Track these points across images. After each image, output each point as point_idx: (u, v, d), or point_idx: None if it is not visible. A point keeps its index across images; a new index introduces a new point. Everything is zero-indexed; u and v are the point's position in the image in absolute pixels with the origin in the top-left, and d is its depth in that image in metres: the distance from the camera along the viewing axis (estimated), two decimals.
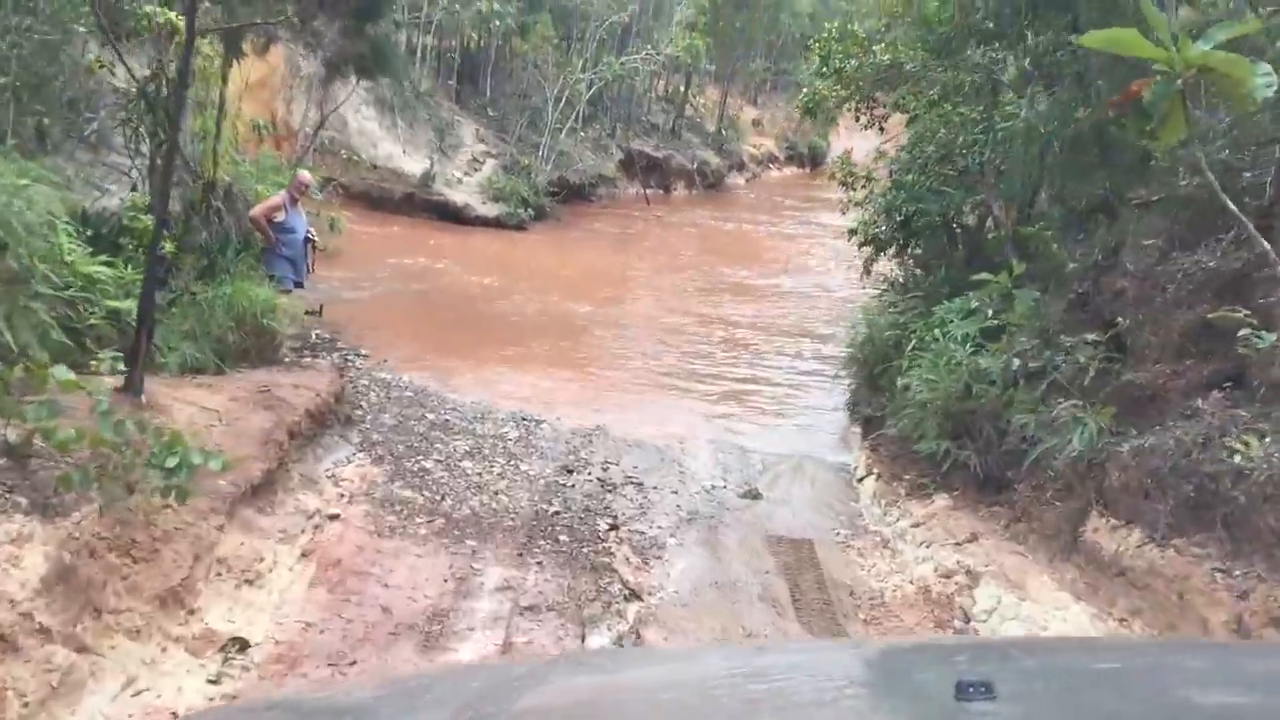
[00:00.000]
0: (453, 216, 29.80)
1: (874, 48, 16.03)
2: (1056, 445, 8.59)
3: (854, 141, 61.61)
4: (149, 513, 6.21)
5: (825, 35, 16.29)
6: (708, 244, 30.97)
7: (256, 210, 14.01)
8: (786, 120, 55.20)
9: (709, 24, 37.44)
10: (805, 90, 17.26)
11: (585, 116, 36.09)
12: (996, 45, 13.18)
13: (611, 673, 2.43)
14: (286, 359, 13.52)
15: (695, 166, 41.00)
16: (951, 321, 12.44)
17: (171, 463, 5.67)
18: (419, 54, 31.85)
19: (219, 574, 6.75)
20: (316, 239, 14.72)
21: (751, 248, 30.83)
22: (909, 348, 13.21)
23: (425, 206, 29.88)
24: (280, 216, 14.02)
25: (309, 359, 14.43)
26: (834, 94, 16.15)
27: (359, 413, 12.90)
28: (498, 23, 26.65)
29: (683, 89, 43.36)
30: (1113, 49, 5.85)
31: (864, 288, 18.26)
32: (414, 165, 30.34)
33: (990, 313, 12.09)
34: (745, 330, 21.18)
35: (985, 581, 8.48)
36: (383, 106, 31.17)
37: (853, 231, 16.31)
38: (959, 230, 14.65)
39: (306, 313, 18.57)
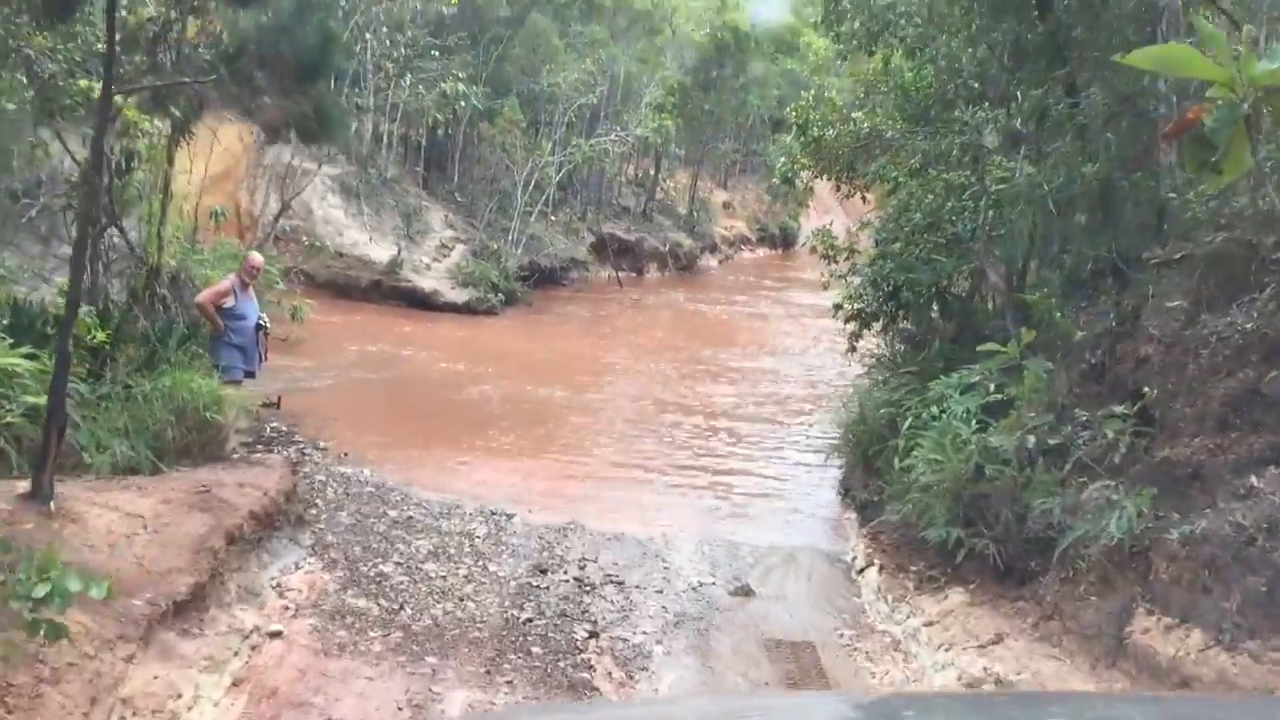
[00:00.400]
0: (421, 303, 28.88)
1: (853, 115, 15.39)
2: (1089, 532, 7.61)
3: (825, 222, 61.88)
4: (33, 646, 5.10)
5: (803, 103, 15.65)
6: (684, 326, 30.17)
7: (204, 296, 13.04)
8: (757, 202, 54.97)
9: (678, 104, 37.04)
10: (783, 160, 16.56)
11: (555, 200, 35.49)
12: (984, 105, 12.45)
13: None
14: (235, 455, 12.44)
15: (668, 248, 40.40)
16: (950, 397, 11.55)
17: (41, 591, 4.60)
18: (385, 141, 31.22)
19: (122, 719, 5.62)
20: (269, 325, 13.73)
21: (729, 329, 30.05)
22: (905, 426, 12.32)
23: (393, 294, 28.98)
24: (229, 302, 13.05)
25: (261, 454, 13.31)
26: (812, 163, 15.45)
27: (313, 512, 11.80)
28: (463, 104, 25.95)
29: (653, 172, 42.95)
30: (1163, 69, 4.99)
31: (849, 366, 17.45)
32: (381, 252, 29.50)
33: (992, 386, 11.23)
34: (726, 414, 20.21)
35: None
36: (348, 194, 30.45)
37: (837, 306, 15.48)
38: (951, 300, 13.80)
39: (263, 404, 17.57)
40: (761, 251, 52.45)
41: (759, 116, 47.58)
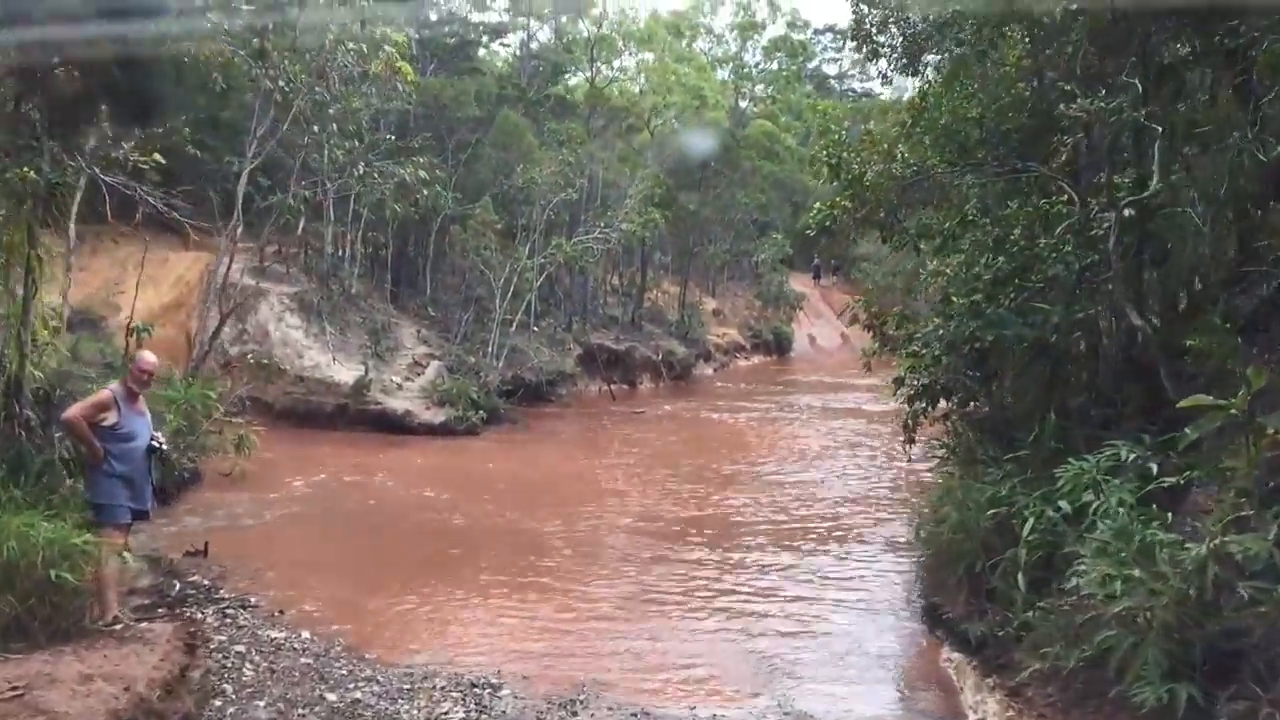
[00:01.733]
0: (393, 426, 25.45)
1: (897, 149, 12.35)
2: None
3: (818, 328, 58.98)
4: None
5: (832, 139, 12.65)
6: (688, 437, 26.76)
7: (74, 411, 9.52)
8: (747, 308, 52.21)
9: (663, 203, 34.27)
10: (818, 206, 13.46)
11: (537, 310, 32.46)
12: (1101, 90, 9.34)
13: None
14: (117, 626, 8.88)
15: (660, 357, 37.23)
16: (1099, 485, 8.24)
17: None
18: (349, 253, 28.23)
19: None
20: (165, 446, 10.15)
21: (738, 437, 26.67)
22: (1025, 531, 8.95)
23: (361, 418, 25.55)
24: (111, 419, 9.53)
25: (151, 623, 9.72)
26: (853, 206, 12.36)
27: (217, 704, 8.24)
28: (426, 193, 22.95)
29: (638, 277, 40.05)
30: None
31: (902, 460, 14.20)
32: (346, 374, 26.16)
33: (1154, 467, 7.95)
34: (752, 531, 16.71)
35: None
36: (309, 312, 27.30)
37: (899, 382, 12.20)
38: (1062, 357, 10.47)
39: (186, 553, 14.12)
40: (757, 358, 49.41)
41: (746, 218, 45.06)
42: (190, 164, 20.14)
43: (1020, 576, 8.85)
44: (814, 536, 16.42)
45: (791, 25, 62.87)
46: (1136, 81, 9.20)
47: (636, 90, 38.21)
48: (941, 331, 11.23)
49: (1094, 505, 8.41)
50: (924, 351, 11.70)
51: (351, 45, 18.52)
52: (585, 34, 37.63)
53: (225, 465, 18.41)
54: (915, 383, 11.82)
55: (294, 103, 18.55)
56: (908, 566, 13.73)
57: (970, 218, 12.55)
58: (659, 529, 16.56)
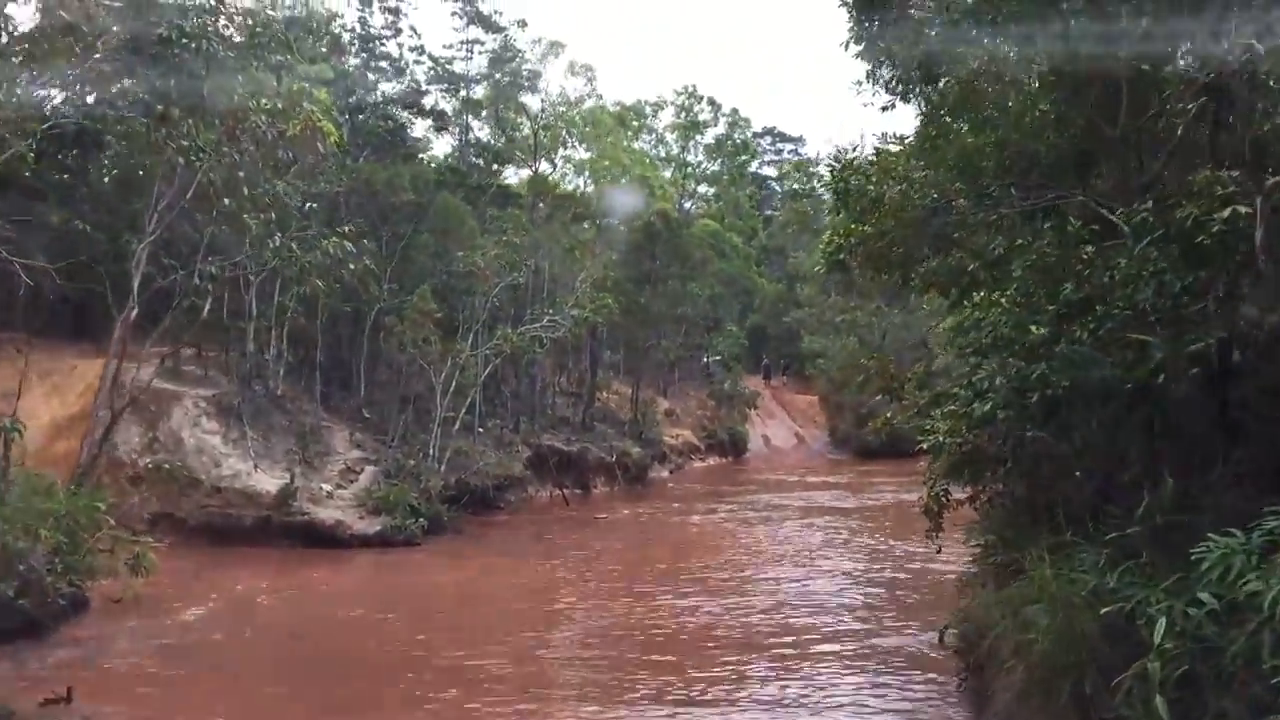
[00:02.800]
0: (323, 539, 22.44)
1: (913, 175, 10.09)
2: None
3: (771, 428, 56.73)
4: None
5: (841, 162, 10.40)
6: (651, 542, 24.04)
7: None
8: (700, 408, 49.80)
9: (615, 285, 31.91)
10: (827, 235, 11.12)
11: (483, 411, 29.77)
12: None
13: None
14: None
15: (615, 459, 34.54)
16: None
17: None
18: (274, 351, 25.47)
19: None
20: None
21: (705, 540, 23.98)
22: (1157, 637, 6.45)
23: (286, 531, 22.52)
24: None
25: None
26: (868, 236, 10.02)
27: None
28: (353, 266, 20.29)
29: (588, 376, 37.55)
30: None
31: (937, 548, 11.71)
32: (269, 483, 23.17)
33: None
34: (740, 645, 14.03)
35: None
36: (228, 416, 24.36)
37: (934, 451, 9.75)
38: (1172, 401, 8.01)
39: (45, 700, 11.21)
40: (712, 459, 46.82)
41: (697, 314, 43.01)
42: (82, 243, 17.53)
43: (1159, 701, 6.31)
44: (811, 653, 13.69)
45: (733, 125, 62.17)
46: None
47: (582, 181, 36.41)
48: (998, 380, 8.79)
49: (1261, 595, 5.98)
50: (970, 409, 9.23)
51: (266, 102, 16.15)
52: (527, 128, 35.82)
53: (117, 589, 15.45)
54: (955, 445, 9.38)
55: (200, 171, 16.03)
56: (944, 684, 11.09)
57: (996, 254, 10.31)
58: (620, 654, 13.77)
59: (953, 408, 9.62)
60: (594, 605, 16.95)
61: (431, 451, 25.13)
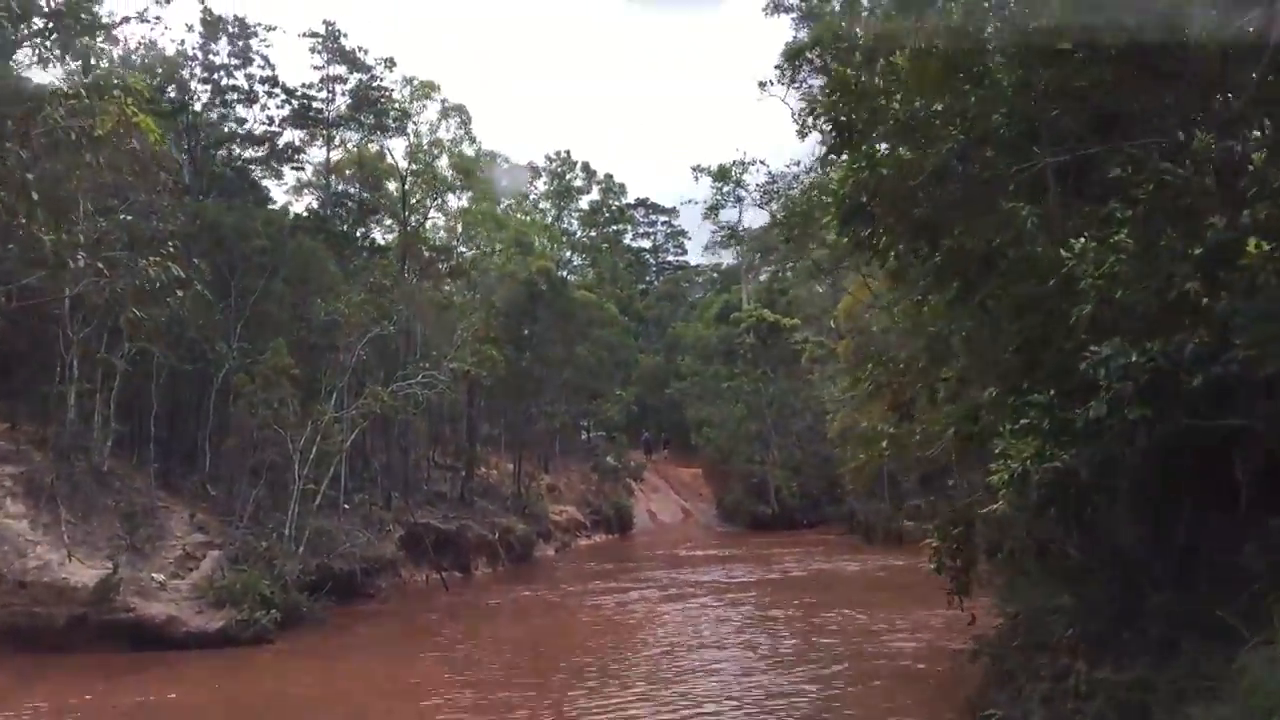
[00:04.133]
0: (152, 640, 18.47)
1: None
2: None
3: (656, 503, 53.69)
4: None
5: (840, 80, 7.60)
6: (550, 630, 20.59)
7: None
8: (584, 483, 46.55)
9: (495, 342, 28.57)
10: (838, 179, 8.25)
11: (349, 486, 26.05)
12: None
13: None
14: None
15: (498, 536, 30.99)
16: None
17: None
18: (98, 420, 21.39)
19: None
20: None
21: (611, 625, 20.66)
22: None
23: (106, 631, 18.44)
24: None
25: None
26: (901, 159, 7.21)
27: None
28: (181, 294, 16.47)
29: (467, 447, 34.01)
30: None
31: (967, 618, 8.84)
32: (87, 574, 19.04)
33: None
34: None
35: None
36: (39, 497, 20.17)
37: (1010, 482, 6.87)
38: None
39: None
40: (599, 536, 43.47)
41: (580, 382, 39.99)
42: None
43: None
44: None
45: (607, 191, 60.06)
46: None
47: (455, 236, 33.25)
48: (1132, 358, 5.92)
49: None
50: (1078, 416, 6.34)
51: (69, 90, 12.67)
52: (394, 182, 32.54)
53: None
54: (1046, 477, 6.53)
55: None
56: None
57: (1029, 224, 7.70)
58: None
59: (1028, 421, 6.75)
60: (490, 709, 13.50)
61: (288, 531, 21.31)
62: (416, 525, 27.86)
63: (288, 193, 29.04)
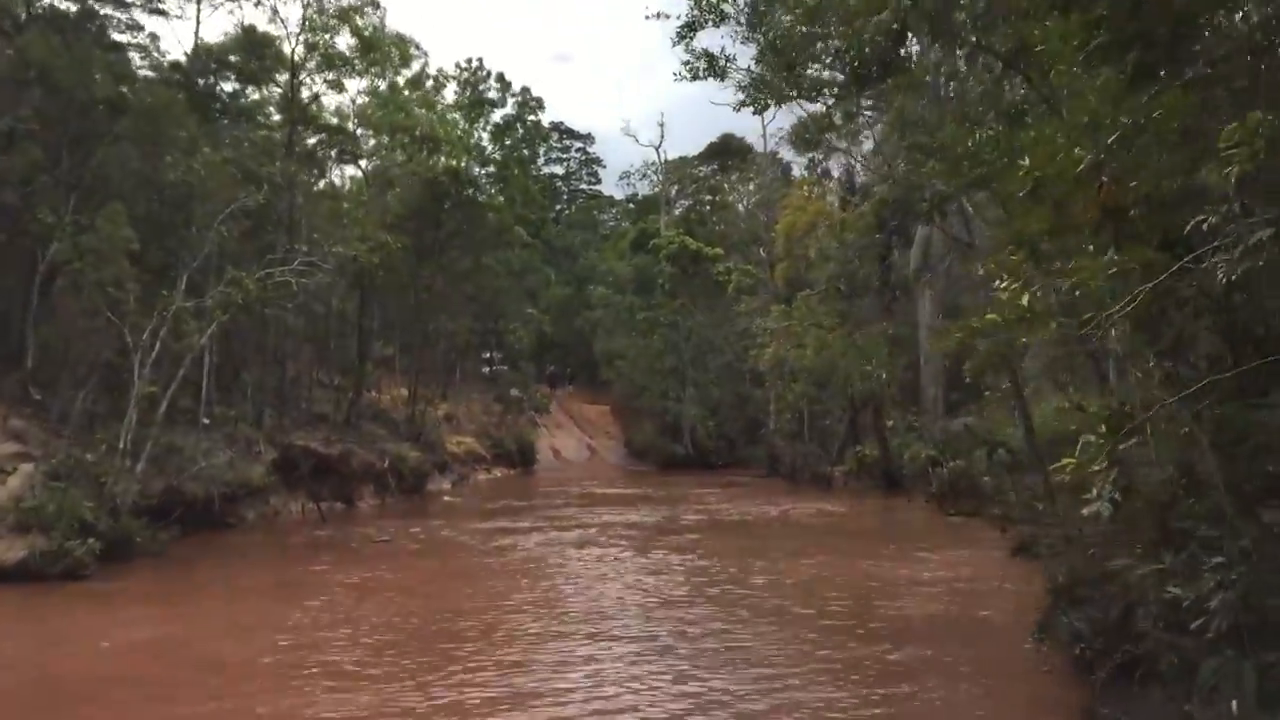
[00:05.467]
0: None
1: None
2: None
3: (560, 439, 50.05)
4: None
5: None
6: (447, 574, 16.73)
7: None
8: (484, 413, 42.64)
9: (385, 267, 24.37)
10: None
11: (211, 398, 21.85)
12: None
13: None
14: None
15: (387, 464, 27.02)
16: None
17: None
18: None
19: None
20: None
21: (509, 575, 16.83)
22: None
23: None
24: None
25: None
26: None
27: None
28: None
29: (357, 364, 29.83)
30: None
31: None
32: None
33: None
34: None
35: None
36: None
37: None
38: None
39: None
40: (499, 471, 39.69)
41: (487, 300, 35.92)
42: None
43: None
44: None
45: (523, 106, 55.61)
46: None
47: (353, 119, 28.74)
48: None
49: None
50: None
51: None
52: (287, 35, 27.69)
53: None
54: None
55: None
56: None
57: None
58: None
59: None
60: (342, 678, 9.76)
61: (123, 445, 17.09)
62: (292, 448, 23.77)
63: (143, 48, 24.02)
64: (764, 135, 45.80)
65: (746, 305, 37.37)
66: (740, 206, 55.09)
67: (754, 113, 28.78)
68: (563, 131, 69.22)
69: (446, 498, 29.91)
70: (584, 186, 71.28)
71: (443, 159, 29.43)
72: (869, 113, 27.25)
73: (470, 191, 30.13)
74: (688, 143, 60.64)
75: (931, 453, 23.65)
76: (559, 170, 70.51)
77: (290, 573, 16.29)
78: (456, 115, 51.86)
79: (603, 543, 19.52)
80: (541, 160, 68.02)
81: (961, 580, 14.82)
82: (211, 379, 22.55)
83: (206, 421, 21.11)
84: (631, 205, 65.39)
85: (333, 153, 24.97)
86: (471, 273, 31.42)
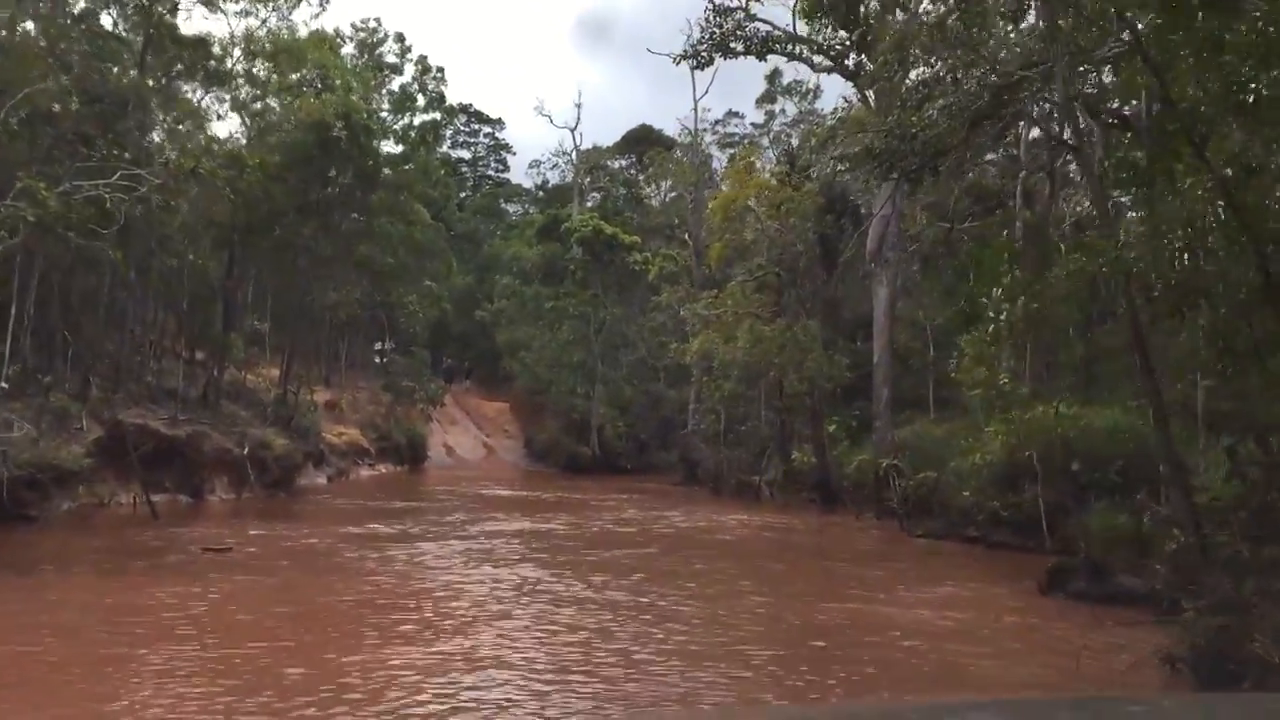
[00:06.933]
0: None
1: None
2: None
3: (455, 436, 45.45)
4: None
5: None
6: (273, 622, 12.01)
7: None
8: (372, 403, 38.01)
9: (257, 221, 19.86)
10: None
11: (25, 361, 17.16)
12: None
13: None
14: None
15: (247, 452, 22.36)
16: None
17: None
18: None
19: None
20: None
21: (382, 609, 12.53)
22: None
23: None
24: None
25: None
26: None
27: None
28: None
29: (222, 331, 25.11)
30: None
31: None
32: None
33: None
34: None
35: None
36: None
37: None
38: None
39: None
40: (384, 467, 35.10)
41: (378, 271, 31.34)
42: None
43: None
44: None
45: (425, 73, 50.88)
46: None
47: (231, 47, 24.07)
48: None
49: None
50: None
51: None
52: None
53: None
54: None
55: None
56: None
57: None
58: None
59: None
60: None
61: None
62: (123, 426, 19.03)
63: None
64: (695, 108, 42.56)
65: (668, 295, 33.55)
66: (656, 201, 51.66)
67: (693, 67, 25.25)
68: (471, 114, 64.73)
69: (329, 495, 25.36)
70: (491, 173, 66.82)
71: (334, 97, 24.91)
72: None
73: (365, 141, 25.62)
74: (604, 136, 57.50)
75: (892, 462, 20.10)
76: (465, 155, 66.00)
77: (51, 593, 11.62)
78: (351, 80, 47.03)
79: (497, 560, 15.30)
80: (448, 144, 63.49)
81: (1009, 634, 10.88)
82: (27, 338, 17.92)
83: (5, 386, 16.37)
84: (542, 193, 61.23)
85: (197, 69, 20.28)
86: (363, 237, 26.89)
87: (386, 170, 26.55)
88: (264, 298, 29.54)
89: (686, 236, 38.54)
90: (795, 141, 27.79)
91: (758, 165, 27.51)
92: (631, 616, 11.09)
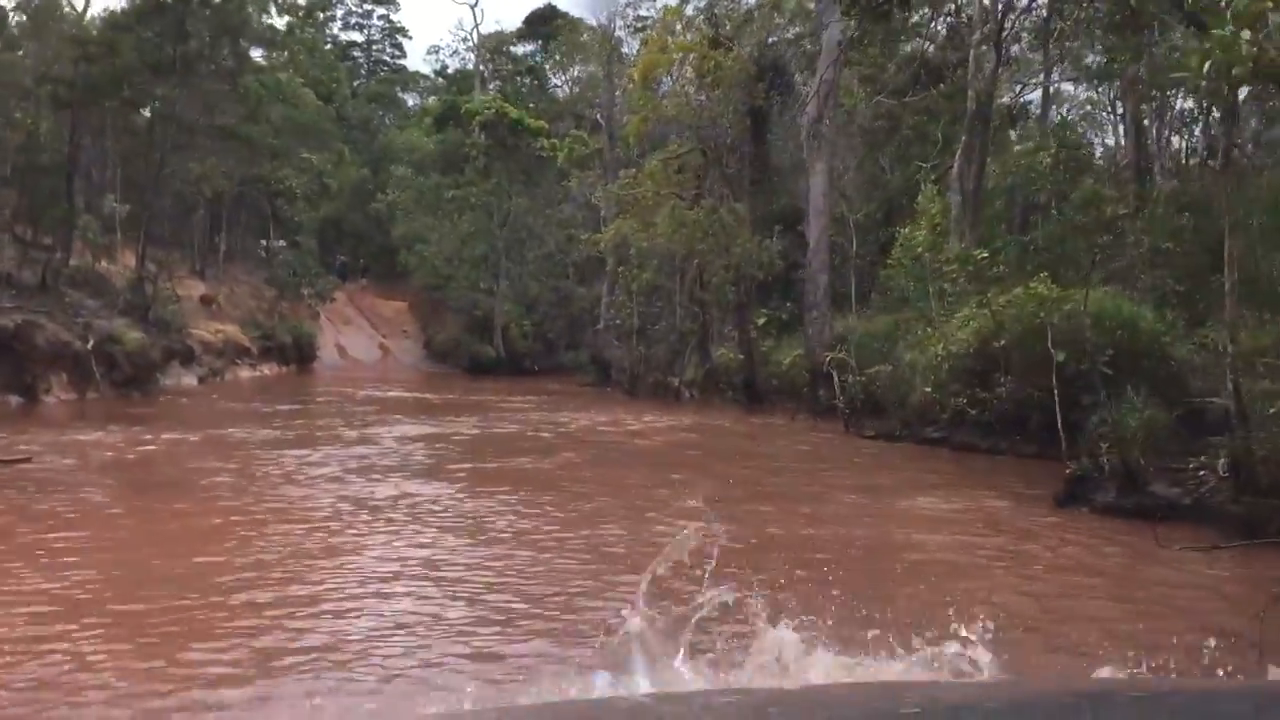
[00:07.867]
0: None
1: None
2: None
3: (348, 337, 42.05)
4: None
5: None
6: (45, 565, 9.08)
7: None
8: (253, 297, 34.48)
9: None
10: None
11: None
12: None
13: None
14: None
15: (92, 346, 19.00)
16: None
17: None
18: None
19: None
20: None
21: (194, 553, 9.64)
22: None
23: None
24: None
25: None
26: None
27: None
28: None
29: (67, 210, 21.46)
30: None
31: None
32: None
33: None
34: None
35: None
36: None
37: None
38: None
39: None
40: (267, 368, 31.82)
41: (254, 138, 27.57)
42: None
43: None
44: None
45: None
46: None
47: None
48: None
49: None
50: None
51: None
52: None
53: None
54: None
55: None
56: None
57: None
58: None
59: None
60: None
61: None
62: None
63: None
64: None
65: (579, 181, 30.55)
66: (563, 91, 48.18)
67: None
68: None
69: (197, 397, 22.16)
70: (387, 59, 62.01)
71: None
72: None
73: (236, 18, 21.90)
74: (507, 17, 52.82)
75: (838, 355, 17.78)
76: (358, 37, 61.04)
77: None
78: None
79: (383, 476, 12.44)
80: (339, 25, 58.59)
81: (1069, 565, 8.39)
82: None
83: None
84: (441, 80, 56.94)
85: None
86: (228, 100, 23.21)
87: (265, 20, 22.74)
88: (120, 175, 25.70)
89: (599, 117, 35.36)
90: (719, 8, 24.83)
91: (678, 29, 24.44)
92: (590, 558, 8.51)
